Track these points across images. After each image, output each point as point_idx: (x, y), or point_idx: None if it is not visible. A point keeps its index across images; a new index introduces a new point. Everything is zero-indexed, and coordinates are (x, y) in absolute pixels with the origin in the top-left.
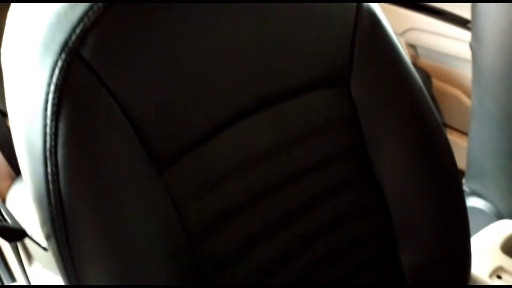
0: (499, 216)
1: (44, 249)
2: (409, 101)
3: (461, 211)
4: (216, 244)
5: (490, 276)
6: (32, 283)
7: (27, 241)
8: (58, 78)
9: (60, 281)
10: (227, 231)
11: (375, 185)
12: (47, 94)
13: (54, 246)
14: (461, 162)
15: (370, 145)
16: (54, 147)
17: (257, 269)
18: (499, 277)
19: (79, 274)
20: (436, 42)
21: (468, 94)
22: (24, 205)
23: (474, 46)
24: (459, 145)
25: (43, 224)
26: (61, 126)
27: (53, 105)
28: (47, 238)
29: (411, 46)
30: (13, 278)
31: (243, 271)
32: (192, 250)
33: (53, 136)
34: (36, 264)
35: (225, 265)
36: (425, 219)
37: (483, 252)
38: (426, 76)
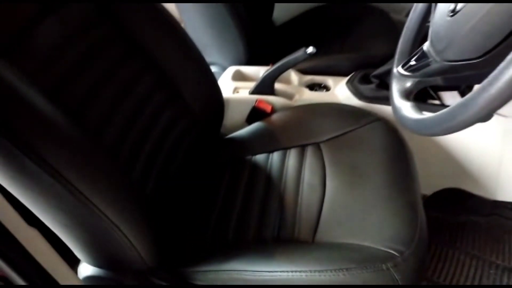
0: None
1: None
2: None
3: (211, 76)
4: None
5: (233, 92)
6: None
7: None
8: None
9: None
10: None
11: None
12: None
13: None
14: None
15: (149, 48)
16: None
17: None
18: (238, 92)
19: None
20: None
21: None
22: None
23: None
24: None
25: None
26: None
27: None
28: None
29: None
30: None
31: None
32: None
33: None
34: None
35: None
36: (189, 75)
37: (225, 83)
38: None
